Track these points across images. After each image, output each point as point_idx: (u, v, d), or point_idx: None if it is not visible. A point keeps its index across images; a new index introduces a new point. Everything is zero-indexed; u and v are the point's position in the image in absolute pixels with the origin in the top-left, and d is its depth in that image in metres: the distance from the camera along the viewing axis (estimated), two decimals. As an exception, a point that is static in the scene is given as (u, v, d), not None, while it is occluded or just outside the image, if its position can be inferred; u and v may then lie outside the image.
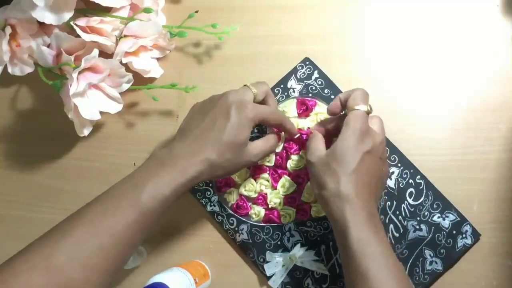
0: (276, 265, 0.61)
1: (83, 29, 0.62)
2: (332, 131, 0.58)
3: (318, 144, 0.55)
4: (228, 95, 0.55)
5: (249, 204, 0.63)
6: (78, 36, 0.62)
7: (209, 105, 0.55)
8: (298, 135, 0.62)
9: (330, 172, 0.52)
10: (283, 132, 0.62)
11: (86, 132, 0.64)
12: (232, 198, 0.63)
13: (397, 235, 0.60)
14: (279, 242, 0.62)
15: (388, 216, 0.60)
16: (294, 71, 0.66)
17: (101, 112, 0.63)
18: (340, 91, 0.64)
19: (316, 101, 0.64)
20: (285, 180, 0.63)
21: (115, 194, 0.50)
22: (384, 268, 0.48)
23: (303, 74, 0.65)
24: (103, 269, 0.47)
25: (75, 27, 0.61)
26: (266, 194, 0.63)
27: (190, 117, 0.56)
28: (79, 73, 0.59)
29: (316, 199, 0.62)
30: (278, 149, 0.63)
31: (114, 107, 0.64)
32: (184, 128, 0.55)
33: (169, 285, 0.53)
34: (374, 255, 0.48)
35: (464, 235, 0.60)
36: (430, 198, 0.61)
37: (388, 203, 0.61)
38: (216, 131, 0.52)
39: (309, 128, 0.63)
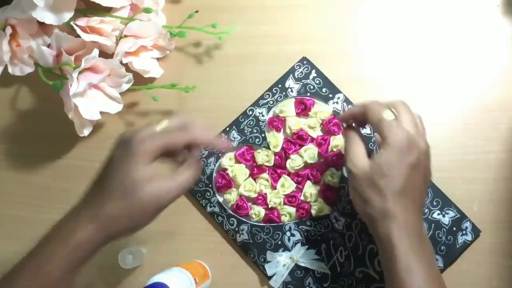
0: (277, 265, 0.61)
1: (83, 29, 0.62)
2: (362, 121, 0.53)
3: (358, 151, 0.51)
4: (119, 136, 0.48)
5: (249, 204, 0.63)
6: (78, 36, 0.62)
7: (114, 151, 0.48)
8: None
9: (375, 188, 0.48)
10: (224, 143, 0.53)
11: (86, 132, 0.64)
12: (232, 199, 0.63)
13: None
14: (279, 242, 0.62)
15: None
16: (291, 70, 0.66)
17: (101, 112, 0.63)
18: (338, 90, 0.64)
19: (314, 100, 0.64)
20: (284, 180, 0.63)
21: (51, 251, 0.45)
22: None
23: (300, 74, 0.65)
24: None
25: (75, 27, 0.61)
26: (266, 194, 0.63)
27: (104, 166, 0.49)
28: (79, 73, 0.60)
29: (315, 198, 0.62)
30: (277, 149, 0.64)
31: (114, 107, 0.64)
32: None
33: (169, 285, 0.53)
34: (420, 284, 0.47)
35: (464, 232, 0.60)
36: (429, 195, 0.61)
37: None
38: (103, 179, 0.46)
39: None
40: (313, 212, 0.62)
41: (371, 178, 0.48)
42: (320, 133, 0.64)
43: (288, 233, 0.62)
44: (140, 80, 0.66)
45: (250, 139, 0.64)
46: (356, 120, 0.54)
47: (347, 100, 0.64)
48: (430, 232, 0.60)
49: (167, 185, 0.46)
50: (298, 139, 0.63)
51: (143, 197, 0.45)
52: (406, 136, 0.48)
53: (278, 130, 0.64)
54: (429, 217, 0.60)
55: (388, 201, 0.48)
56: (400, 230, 0.47)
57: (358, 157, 0.50)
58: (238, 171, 0.63)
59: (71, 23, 0.62)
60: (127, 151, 0.45)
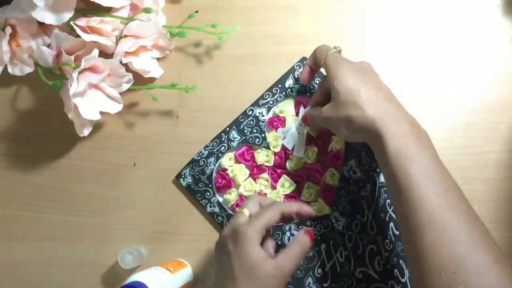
0: (276, 265, 0.61)
1: (83, 29, 0.62)
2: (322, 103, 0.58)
3: (316, 108, 0.57)
4: (222, 233, 0.52)
5: (249, 204, 0.63)
6: (78, 36, 0.62)
7: (219, 255, 0.52)
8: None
9: (346, 108, 0.51)
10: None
11: (86, 132, 0.64)
12: (232, 199, 0.63)
13: (397, 232, 0.60)
14: (279, 242, 0.62)
15: (388, 214, 0.60)
16: (291, 70, 0.66)
17: (101, 112, 0.63)
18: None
19: (316, 100, 0.64)
20: (284, 180, 0.63)
21: None
22: (431, 184, 0.46)
23: (300, 74, 0.65)
24: None
25: (75, 27, 0.61)
26: (265, 194, 0.63)
27: (216, 272, 0.52)
28: (79, 73, 0.60)
29: (315, 198, 0.62)
30: (277, 149, 0.64)
31: (114, 107, 0.64)
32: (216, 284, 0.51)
33: (144, 281, 0.54)
34: (417, 167, 0.46)
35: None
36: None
37: (388, 200, 0.61)
38: (228, 280, 0.48)
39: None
40: (313, 212, 0.62)
41: (337, 106, 0.52)
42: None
43: (288, 233, 0.62)
44: (140, 80, 0.66)
45: (250, 139, 0.64)
46: (315, 65, 0.60)
47: (347, 100, 0.64)
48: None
49: (281, 260, 0.49)
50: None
51: (267, 274, 0.48)
52: (347, 62, 0.55)
53: (278, 130, 0.64)
54: (429, 217, 0.60)
55: (364, 109, 0.50)
56: (385, 122, 0.49)
57: (317, 109, 0.56)
58: (238, 171, 0.63)
59: (71, 23, 0.62)
60: (239, 242, 0.49)
